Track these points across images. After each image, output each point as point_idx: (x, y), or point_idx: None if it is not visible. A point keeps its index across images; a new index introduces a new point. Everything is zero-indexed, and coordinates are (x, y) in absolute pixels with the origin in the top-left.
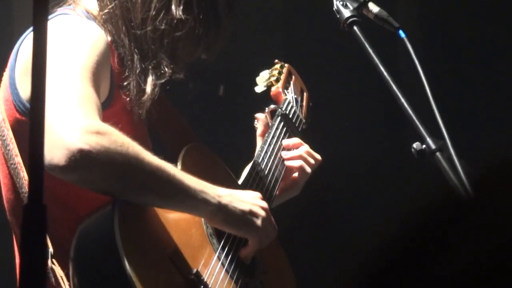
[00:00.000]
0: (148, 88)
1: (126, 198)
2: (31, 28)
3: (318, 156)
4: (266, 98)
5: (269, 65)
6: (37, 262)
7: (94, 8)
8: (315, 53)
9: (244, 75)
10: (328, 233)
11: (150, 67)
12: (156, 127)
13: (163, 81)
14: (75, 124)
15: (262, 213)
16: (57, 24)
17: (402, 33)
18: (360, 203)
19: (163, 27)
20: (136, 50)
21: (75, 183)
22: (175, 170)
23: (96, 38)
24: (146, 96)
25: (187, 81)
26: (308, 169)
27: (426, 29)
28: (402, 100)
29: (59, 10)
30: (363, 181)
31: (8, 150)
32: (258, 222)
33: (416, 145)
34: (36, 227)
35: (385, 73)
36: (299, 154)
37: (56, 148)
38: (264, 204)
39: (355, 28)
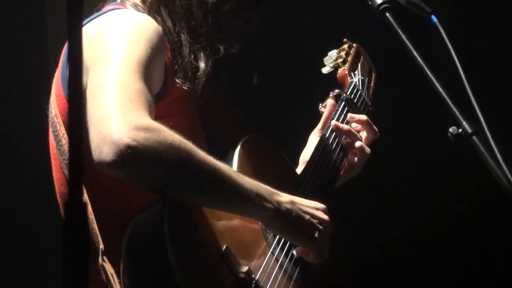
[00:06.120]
0: (202, 64)
1: (177, 197)
2: (83, 26)
3: (376, 129)
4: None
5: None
6: (80, 260)
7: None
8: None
9: (307, 60)
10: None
11: (202, 44)
12: (208, 119)
13: (217, 56)
14: (125, 120)
15: (321, 226)
16: (111, 18)
17: (434, 18)
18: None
19: (209, 0)
20: (183, 29)
21: (123, 179)
22: (231, 171)
23: (151, 31)
24: (201, 71)
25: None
26: (368, 150)
27: (457, 13)
28: (437, 84)
29: (111, 6)
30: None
31: (61, 146)
32: (315, 234)
33: (452, 129)
34: (76, 225)
35: (419, 59)
36: (363, 122)
37: (104, 143)
38: (326, 217)
39: (387, 14)
